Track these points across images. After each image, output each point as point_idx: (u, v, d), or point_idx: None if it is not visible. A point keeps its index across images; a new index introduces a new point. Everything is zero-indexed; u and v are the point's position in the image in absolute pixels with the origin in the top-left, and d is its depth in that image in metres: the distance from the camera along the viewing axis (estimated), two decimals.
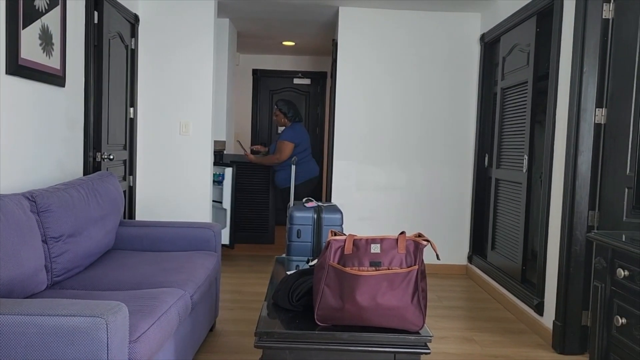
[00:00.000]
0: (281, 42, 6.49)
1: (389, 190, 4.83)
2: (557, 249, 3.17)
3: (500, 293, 4.01)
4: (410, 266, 1.85)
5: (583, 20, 2.98)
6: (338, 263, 1.84)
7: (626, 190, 2.75)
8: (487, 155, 4.60)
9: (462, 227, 4.86)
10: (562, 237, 3.12)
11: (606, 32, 2.95)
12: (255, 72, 7.34)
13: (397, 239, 1.86)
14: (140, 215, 4.52)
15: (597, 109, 2.99)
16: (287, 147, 4.78)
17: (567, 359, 3.00)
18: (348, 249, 1.85)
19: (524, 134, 3.79)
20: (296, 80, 7.34)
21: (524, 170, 3.75)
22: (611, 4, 2.92)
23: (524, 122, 3.79)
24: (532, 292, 3.49)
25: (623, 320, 1.85)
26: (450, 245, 4.85)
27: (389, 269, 1.83)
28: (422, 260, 1.91)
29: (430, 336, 1.82)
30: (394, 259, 1.84)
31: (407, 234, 1.93)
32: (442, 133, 4.82)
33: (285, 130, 4.94)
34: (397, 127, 4.81)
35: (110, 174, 3.05)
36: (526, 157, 3.72)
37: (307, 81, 7.33)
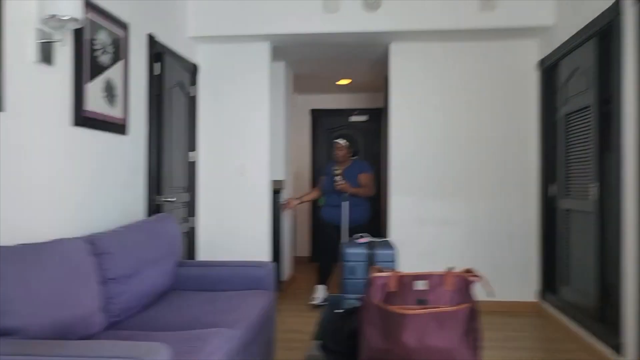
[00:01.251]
0: (336, 81, 6.59)
1: (449, 224, 4.68)
2: (635, 284, 2.92)
3: (574, 332, 3.72)
4: (460, 304, 1.75)
5: None
6: (382, 301, 1.78)
7: None
8: (552, 184, 4.37)
9: (529, 261, 4.61)
10: (639, 270, 2.87)
11: None
12: (313, 111, 7.47)
13: (444, 276, 1.78)
14: (203, 255, 4.63)
15: None
16: (373, 180, 4.82)
17: None
18: (392, 285, 1.79)
19: (590, 160, 3.58)
20: (353, 118, 7.39)
21: (594, 199, 3.52)
22: None
23: (590, 149, 3.58)
24: (611, 331, 3.22)
25: None
26: (517, 281, 4.60)
27: (436, 307, 1.74)
28: (474, 298, 1.80)
29: None
30: (442, 297, 1.76)
31: (461, 270, 1.85)
32: (502, 163, 4.64)
33: (361, 163, 4.97)
34: (454, 159, 4.69)
35: (168, 216, 3.16)
36: (595, 184, 3.50)
37: (363, 118, 7.36)
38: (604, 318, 3.44)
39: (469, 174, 4.67)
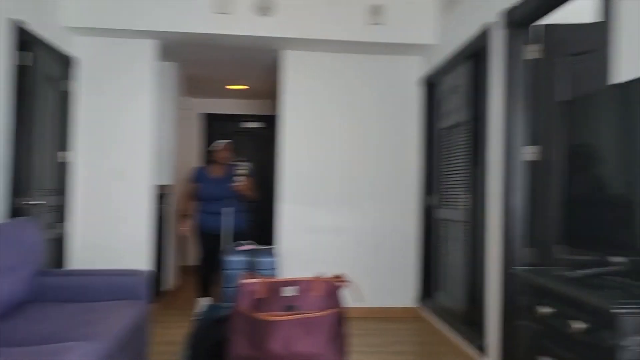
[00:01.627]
0: (230, 86, 6.48)
1: (337, 232, 4.75)
2: (496, 288, 3.13)
3: (447, 335, 3.92)
4: (328, 309, 1.75)
5: (510, 61, 3.05)
6: (250, 308, 1.73)
7: (558, 226, 2.75)
8: (430, 194, 4.60)
9: (409, 268, 4.80)
10: (500, 275, 3.09)
11: (532, 71, 3.02)
12: (206, 116, 7.29)
13: (313, 281, 1.77)
14: (78, 264, 4.30)
15: (526, 147, 3.02)
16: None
17: None
18: (261, 292, 1.75)
19: (463, 173, 3.81)
20: (247, 124, 7.32)
21: (465, 209, 3.75)
22: (536, 44, 3.00)
23: (463, 162, 3.81)
24: (476, 333, 3.42)
25: (547, 359, 1.78)
26: (398, 286, 4.77)
27: (304, 313, 1.72)
28: (342, 303, 1.81)
29: None
30: (310, 302, 1.75)
31: (330, 276, 1.84)
32: (387, 173, 4.81)
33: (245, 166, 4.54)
34: (342, 168, 4.78)
35: (29, 220, 2.88)
36: (467, 196, 3.73)
37: (257, 124, 7.31)
38: (471, 321, 3.66)
39: (356, 183, 4.78)
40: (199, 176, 4.55)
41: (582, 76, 2.89)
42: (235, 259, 2.97)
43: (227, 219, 3.74)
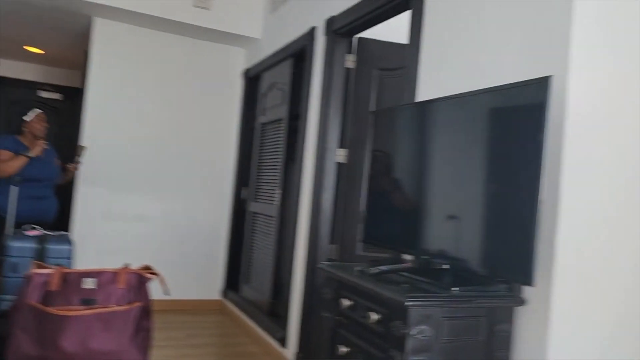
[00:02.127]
0: (25, 47, 5.68)
1: (142, 221, 4.49)
2: (302, 282, 3.27)
3: (250, 327, 3.98)
4: (132, 303, 1.63)
5: (330, 67, 3.21)
6: (40, 302, 1.53)
7: (360, 225, 2.98)
8: (245, 188, 4.63)
9: (217, 261, 4.76)
10: (306, 269, 3.23)
11: (348, 79, 3.22)
12: None
13: (117, 273, 1.63)
14: None
15: (339, 149, 3.22)
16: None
17: None
18: (54, 284, 1.55)
19: (278, 169, 3.90)
20: (43, 93, 6.49)
21: (277, 204, 3.84)
22: (352, 55, 3.21)
23: (279, 158, 3.91)
24: (278, 325, 3.54)
25: (345, 349, 1.91)
26: (204, 279, 4.70)
27: (104, 307, 1.58)
28: (148, 296, 1.70)
29: None
30: (112, 296, 1.61)
31: (138, 267, 1.71)
32: (201, 163, 4.70)
33: (51, 146, 3.85)
34: (152, 154, 4.54)
35: None
36: (279, 191, 3.82)
37: (56, 96, 6.55)
38: (275, 313, 3.77)
39: (167, 170, 4.57)
40: (16, 148, 3.58)
41: (390, 90, 3.18)
42: (20, 245, 2.60)
43: (47, 203, 3.27)
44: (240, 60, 4.82)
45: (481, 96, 1.81)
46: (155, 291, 1.83)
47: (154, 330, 1.74)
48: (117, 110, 4.40)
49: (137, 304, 1.62)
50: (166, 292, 1.73)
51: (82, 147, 3.93)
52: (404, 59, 2.52)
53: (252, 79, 4.64)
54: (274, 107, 4.10)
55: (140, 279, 1.65)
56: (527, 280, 1.54)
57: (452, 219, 1.90)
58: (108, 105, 4.37)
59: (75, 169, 3.90)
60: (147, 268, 1.70)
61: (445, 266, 1.91)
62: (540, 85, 1.55)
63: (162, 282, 1.69)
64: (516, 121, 1.69)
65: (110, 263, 4.04)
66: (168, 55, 4.57)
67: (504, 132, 1.74)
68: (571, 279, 1.64)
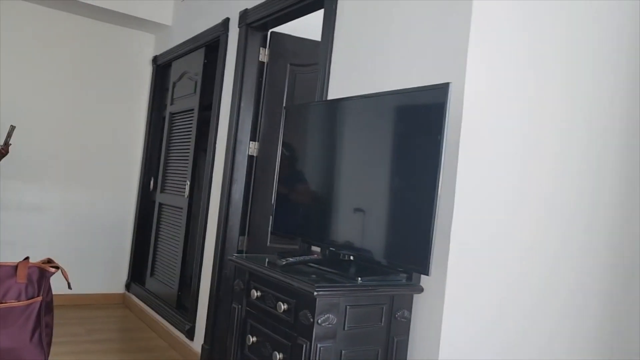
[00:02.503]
0: None
1: (39, 211, 4.23)
2: (210, 274, 3.26)
3: (156, 321, 3.90)
4: (32, 298, 1.57)
5: (243, 60, 3.21)
6: None
7: (271, 217, 3.03)
8: (152, 178, 4.50)
9: (122, 253, 4.60)
10: (214, 261, 3.23)
11: (261, 73, 3.24)
12: None
13: (16, 267, 1.56)
14: None
15: (251, 142, 3.24)
16: None
17: None
18: None
19: (188, 160, 3.84)
20: None
21: (185, 196, 3.79)
22: (267, 48, 3.23)
23: (189, 149, 3.85)
24: (185, 317, 3.50)
25: (254, 339, 1.96)
26: (108, 272, 4.53)
27: (2, 303, 1.51)
28: (50, 291, 1.64)
29: None
30: (11, 290, 1.54)
31: (40, 261, 1.65)
32: (107, 153, 4.51)
33: None
34: (53, 140, 4.28)
35: None
36: (188, 182, 3.77)
37: None
38: (181, 306, 3.73)
39: (69, 159, 4.34)
40: None
41: (304, 85, 3.25)
42: None
43: None
44: (149, 47, 4.67)
45: (387, 97, 1.92)
46: (55, 285, 1.76)
47: (53, 326, 1.68)
48: (18, 94, 4.11)
49: (38, 299, 1.56)
50: (69, 286, 1.68)
51: (12, 127, 3.64)
52: (317, 56, 2.59)
53: (162, 67, 4.52)
54: (185, 96, 4.02)
55: (41, 273, 1.59)
56: (424, 269, 1.67)
57: (358, 211, 2.00)
58: (10, 86, 4.06)
59: (6, 151, 3.61)
60: (49, 261, 1.64)
61: (351, 257, 2.01)
62: (440, 91, 1.68)
63: (65, 275, 1.64)
64: (418, 121, 1.82)
65: (4, 256, 3.80)
66: (75, 38, 4.33)
67: (407, 132, 1.86)
68: (463, 269, 1.80)
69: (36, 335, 1.56)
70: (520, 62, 1.88)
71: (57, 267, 1.64)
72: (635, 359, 2.04)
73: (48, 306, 1.61)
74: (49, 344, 1.59)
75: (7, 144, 3.65)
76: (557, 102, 1.95)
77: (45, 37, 4.21)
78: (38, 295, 1.56)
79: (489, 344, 1.85)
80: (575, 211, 2.00)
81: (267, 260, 2.08)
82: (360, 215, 2.00)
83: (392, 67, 2.08)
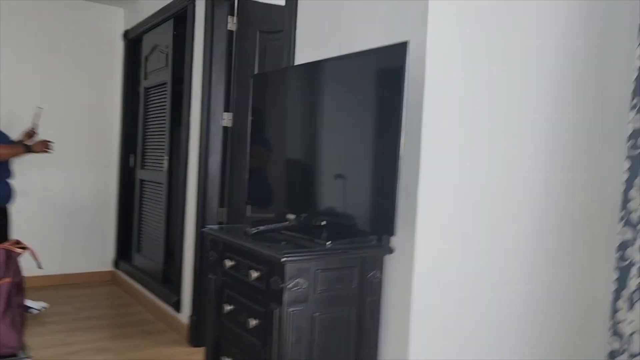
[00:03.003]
0: None
1: (21, 194, 4.20)
2: (192, 247, 3.28)
3: (144, 296, 3.94)
4: (1, 279, 1.58)
5: (211, 29, 3.16)
6: None
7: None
8: (132, 155, 4.47)
9: (107, 232, 4.61)
10: (196, 234, 3.24)
11: (231, 42, 3.19)
12: None
13: None
14: None
15: (224, 113, 3.21)
16: None
17: (199, 350, 3.13)
18: None
19: (164, 134, 3.81)
20: None
21: (165, 171, 3.78)
22: (235, 17, 3.18)
23: (165, 123, 3.82)
24: (172, 290, 3.54)
25: (230, 307, 1.98)
26: (94, 251, 4.54)
27: None
28: (19, 271, 1.65)
29: (28, 357, 1.59)
30: None
31: (8, 242, 1.65)
32: (84, 132, 4.46)
33: None
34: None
35: None
36: (167, 157, 3.76)
37: None
38: (167, 280, 3.76)
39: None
40: None
41: (274, 52, 3.20)
42: None
43: None
44: (120, 22, 4.57)
45: (348, 60, 1.90)
46: (42, 267, 1.76)
47: (23, 307, 1.69)
48: None
49: (6, 280, 1.57)
50: (39, 266, 1.69)
51: (39, 109, 3.65)
52: (282, 22, 2.55)
53: (133, 41, 4.43)
54: (157, 70, 3.97)
55: (7, 254, 1.59)
56: (390, 230, 1.69)
57: (328, 176, 2.01)
58: None
59: (35, 133, 3.68)
60: (16, 242, 1.64)
61: (322, 223, 2.03)
62: (399, 50, 1.66)
63: (34, 256, 1.65)
64: (380, 83, 1.81)
65: None
66: (44, 15, 4.22)
67: (369, 94, 1.85)
68: (431, 228, 1.81)
69: (8, 316, 1.57)
70: (482, 26, 1.85)
71: (25, 248, 1.65)
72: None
73: (18, 287, 1.62)
74: (22, 324, 1.61)
75: (35, 125, 3.66)
76: (519, 64, 1.93)
77: (13, 15, 4.11)
78: (5, 277, 1.57)
79: (457, 298, 1.88)
80: (535, 168, 2.01)
81: (240, 229, 2.09)
82: (329, 180, 2.01)
83: (356, 28, 2.05)
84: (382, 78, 1.80)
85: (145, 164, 4.17)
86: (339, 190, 1.96)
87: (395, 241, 1.85)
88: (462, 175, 1.86)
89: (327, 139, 2.01)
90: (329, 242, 1.80)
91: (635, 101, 1.74)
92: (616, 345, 1.77)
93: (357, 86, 1.89)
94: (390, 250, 1.87)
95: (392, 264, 1.89)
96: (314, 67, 2.07)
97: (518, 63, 1.93)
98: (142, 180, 4.24)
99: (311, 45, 2.32)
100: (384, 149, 1.74)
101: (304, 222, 2.17)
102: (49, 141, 3.65)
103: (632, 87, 1.78)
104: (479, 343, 1.92)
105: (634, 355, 1.66)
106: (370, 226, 1.83)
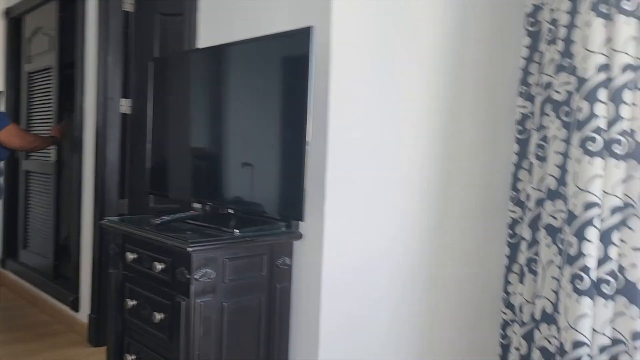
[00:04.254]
0: None
1: None
2: (91, 240, 3.09)
3: (37, 296, 3.66)
4: None
5: (106, 10, 2.96)
6: None
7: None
8: None
9: None
10: (94, 227, 3.05)
11: (127, 24, 3.01)
12: None
13: None
14: None
15: (122, 99, 3.03)
16: None
17: (101, 350, 2.96)
18: None
19: (51, 122, 3.54)
20: None
21: (53, 161, 3.52)
22: None
23: (52, 111, 3.54)
24: (68, 288, 3.31)
25: (133, 302, 1.89)
26: None
27: None
28: None
29: None
30: None
31: None
32: None
33: None
34: None
35: None
36: (54, 147, 3.49)
37: None
38: (61, 277, 3.51)
39: None
40: None
41: (176, 36, 3.07)
42: None
43: None
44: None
45: (251, 45, 1.86)
46: None
47: None
48: None
49: None
50: None
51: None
52: (182, 5, 2.45)
53: (15, 21, 4.05)
54: (41, 54, 3.66)
55: None
56: (298, 216, 1.69)
57: (235, 163, 1.97)
58: None
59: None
60: None
61: (230, 211, 1.99)
62: (303, 35, 1.66)
63: None
64: (285, 69, 1.79)
65: None
66: None
67: (276, 80, 1.84)
68: (340, 213, 1.84)
69: None
70: (385, 11, 1.89)
71: None
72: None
73: None
74: None
75: None
76: (416, 51, 1.99)
77: None
78: None
79: (365, 281, 1.93)
80: (434, 152, 2.10)
81: (143, 221, 1.99)
82: (236, 168, 1.97)
83: (261, 12, 2.01)
84: (287, 64, 1.78)
85: (31, 154, 3.85)
86: (247, 178, 1.93)
87: (305, 227, 1.86)
88: (368, 161, 1.91)
89: (232, 127, 1.97)
90: (237, 230, 1.77)
91: (522, 89, 1.87)
92: (508, 316, 1.91)
93: (262, 72, 1.86)
94: (299, 236, 1.88)
95: (302, 250, 1.89)
96: (218, 51, 2.01)
97: (415, 50, 1.99)
98: (27, 172, 3.91)
99: (214, 29, 2.26)
100: (291, 135, 1.74)
101: (211, 211, 2.13)
102: None
103: (520, 75, 1.90)
104: (386, 321, 1.99)
105: (523, 325, 1.80)
106: (279, 213, 1.82)
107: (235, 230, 1.77)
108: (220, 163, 2.02)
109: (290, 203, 1.74)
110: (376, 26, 1.88)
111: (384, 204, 1.95)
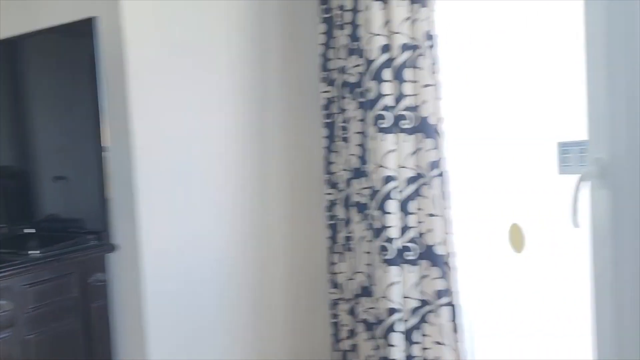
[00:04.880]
0: None
1: None
2: None
3: None
4: None
5: None
6: None
7: None
8: None
9: None
10: None
11: None
12: None
13: None
14: None
15: None
16: None
17: None
18: None
19: None
20: None
21: None
22: None
23: None
24: None
25: None
26: None
27: None
28: None
29: None
30: None
31: None
32: None
33: None
34: None
35: None
36: None
37: None
38: None
39: None
40: None
41: None
42: None
43: None
44: None
45: (29, 40, 1.67)
46: None
47: None
48: None
49: None
50: None
51: None
52: None
53: None
54: None
55: None
56: (104, 226, 1.57)
57: (31, 178, 1.76)
58: None
59: None
60: None
61: (28, 231, 1.78)
62: (86, 27, 1.52)
63: None
64: (73, 67, 1.64)
65: None
66: None
67: (64, 81, 1.67)
68: (156, 217, 1.73)
69: None
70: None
71: None
72: None
73: None
74: None
75: None
76: (224, 44, 1.94)
77: None
78: None
79: (191, 280, 1.85)
80: (248, 140, 2.06)
81: None
82: (31, 182, 1.77)
83: (40, 3, 1.80)
84: (74, 61, 1.63)
85: None
86: (49, 193, 1.74)
87: (120, 236, 1.72)
88: (179, 160, 1.82)
89: (19, 134, 1.76)
90: (37, 251, 1.59)
91: (324, 74, 1.93)
92: (336, 295, 1.97)
93: (48, 72, 1.68)
94: (112, 248, 1.74)
95: (118, 263, 1.76)
96: None
97: (224, 43, 1.93)
98: None
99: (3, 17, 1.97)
100: (86, 141, 1.60)
101: (8, 233, 1.88)
102: None
103: (320, 61, 1.95)
104: (215, 314, 1.91)
105: (347, 301, 1.88)
106: (85, 226, 1.67)
107: (33, 251, 1.59)
108: (11, 177, 1.79)
109: (95, 214, 1.61)
110: (172, 17, 1.78)
111: (199, 202, 1.88)
